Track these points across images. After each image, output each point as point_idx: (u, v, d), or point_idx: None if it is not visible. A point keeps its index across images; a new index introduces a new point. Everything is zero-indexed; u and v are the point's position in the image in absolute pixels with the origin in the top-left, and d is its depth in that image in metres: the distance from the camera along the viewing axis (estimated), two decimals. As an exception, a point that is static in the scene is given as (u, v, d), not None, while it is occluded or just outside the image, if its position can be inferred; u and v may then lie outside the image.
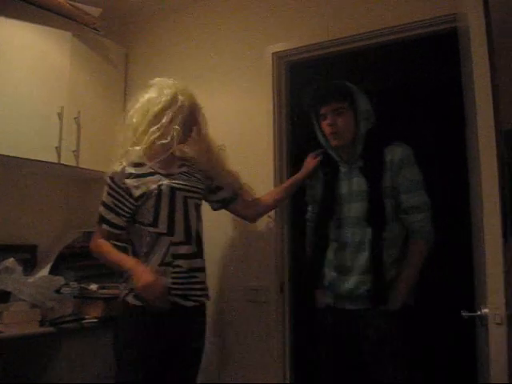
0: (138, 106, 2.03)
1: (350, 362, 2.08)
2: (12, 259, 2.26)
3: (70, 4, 2.60)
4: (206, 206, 2.21)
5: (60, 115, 2.53)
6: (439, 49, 2.67)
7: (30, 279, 2.27)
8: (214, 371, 2.48)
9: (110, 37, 2.92)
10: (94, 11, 2.71)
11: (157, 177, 2.00)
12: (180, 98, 2.00)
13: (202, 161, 2.14)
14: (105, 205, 2.01)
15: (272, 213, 2.43)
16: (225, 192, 2.20)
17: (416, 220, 2.03)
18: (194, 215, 2.05)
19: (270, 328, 2.43)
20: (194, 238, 2.03)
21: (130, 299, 1.94)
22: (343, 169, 2.18)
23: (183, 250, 1.98)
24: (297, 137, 2.67)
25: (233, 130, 2.63)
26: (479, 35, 1.47)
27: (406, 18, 2.26)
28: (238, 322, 2.52)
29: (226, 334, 2.54)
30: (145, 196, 1.96)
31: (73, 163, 2.60)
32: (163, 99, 1.98)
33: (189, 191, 2.04)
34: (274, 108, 2.55)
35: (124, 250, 2.04)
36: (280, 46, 2.58)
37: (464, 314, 1.50)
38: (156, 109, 1.97)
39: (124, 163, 1.99)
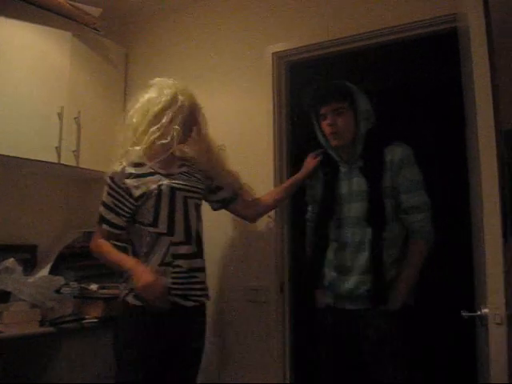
0: (137, 106, 2.03)
1: (349, 362, 2.08)
2: (12, 259, 2.26)
3: (70, 4, 2.60)
4: (206, 206, 2.21)
5: (60, 115, 2.53)
6: (439, 49, 2.67)
7: (30, 279, 2.27)
8: (213, 371, 2.48)
9: (110, 37, 2.92)
10: (94, 11, 2.71)
11: (157, 177, 2.00)
12: (180, 97, 2.00)
13: (202, 161, 2.14)
14: (105, 205, 2.01)
15: (272, 213, 2.43)
16: (225, 192, 2.21)
17: (416, 220, 2.03)
18: (194, 215, 2.05)
19: (269, 328, 2.43)
20: (194, 238, 2.03)
21: (130, 299, 1.94)
22: (343, 169, 2.18)
23: (183, 250, 1.98)
24: (297, 137, 2.66)
25: (233, 130, 2.62)
26: (479, 35, 1.47)
27: (406, 18, 2.26)
28: (238, 322, 2.52)
29: (226, 334, 2.54)
30: (145, 196, 1.96)
31: (73, 163, 2.60)
32: (163, 99, 1.98)
33: (189, 191, 2.04)
34: (273, 108, 2.55)
35: (124, 250, 2.04)
36: (280, 46, 2.58)
37: (464, 313, 1.50)
38: (156, 109, 1.97)
39: (124, 163, 1.99)
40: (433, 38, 2.36)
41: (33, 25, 2.48)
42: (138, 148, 1.97)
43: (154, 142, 1.97)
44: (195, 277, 2.01)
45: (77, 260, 2.58)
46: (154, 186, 1.96)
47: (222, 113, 2.64)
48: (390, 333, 1.97)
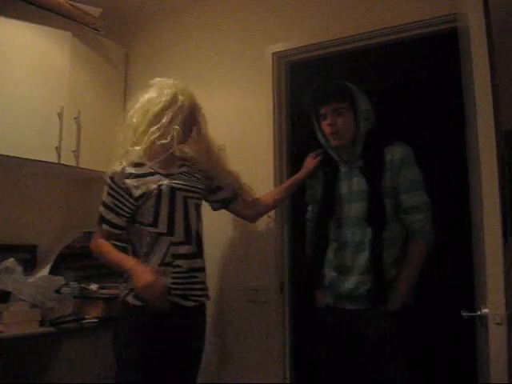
0: (137, 106, 2.03)
1: (349, 362, 2.08)
2: (12, 259, 2.26)
3: (70, 4, 2.60)
4: (206, 206, 2.21)
5: (60, 115, 2.53)
6: (439, 49, 2.67)
7: (30, 279, 2.27)
8: (214, 371, 2.48)
9: (110, 37, 2.92)
10: (94, 11, 2.71)
11: (157, 177, 1.99)
12: (180, 97, 2.00)
13: (202, 161, 2.14)
14: (105, 205, 2.01)
15: (272, 213, 2.43)
16: (225, 192, 2.20)
17: (416, 220, 2.03)
18: (194, 215, 2.05)
19: (269, 328, 2.43)
20: (194, 238, 2.02)
21: (130, 299, 1.94)
22: (343, 169, 2.17)
23: (183, 249, 1.98)
24: (297, 137, 2.66)
25: (233, 129, 2.62)
26: (479, 35, 1.47)
27: (406, 18, 2.26)
28: (238, 322, 2.52)
29: (226, 334, 2.54)
30: (145, 196, 1.96)
31: (73, 163, 2.60)
32: (163, 99, 1.98)
33: (189, 191, 2.04)
34: (273, 108, 2.55)
35: (124, 250, 2.04)
36: (280, 46, 2.58)
37: (464, 313, 1.50)
38: (156, 109, 1.97)
39: (124, 163, 1.99)
40: (432, 38, 2.36)
41: (33, 25, 2.48)
42: (138, 148, 1.97)
43: (154, 142, 1.97)
44: (195, 277, 2.01)
45: (77, 260, 2.58)
46: (154, 186, 1.96)
47: (222, 113, 2.64)
48: (390, 333, 1.97)
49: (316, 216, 2.25)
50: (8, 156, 2.37)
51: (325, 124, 2.15)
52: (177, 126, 1.97)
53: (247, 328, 2.49)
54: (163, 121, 1.96)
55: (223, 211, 2.26)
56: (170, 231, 1.97)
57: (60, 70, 2.60)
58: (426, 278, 2.07)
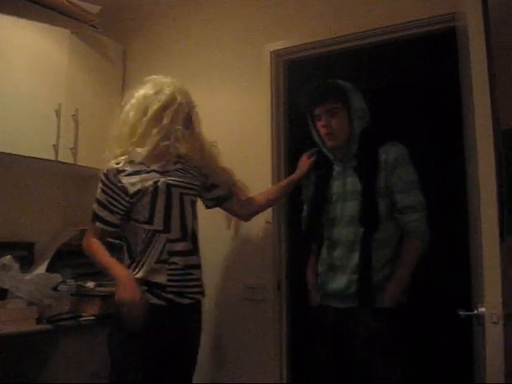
0: (133, 101, 2.00)
1: (343, 361, 2.08)
2: (9, 256, 2.26)
3: (68, 1, 2.59)
4: (202, 204, 2.21)
5: (58, 112, 2.53)
6: (434, 48, 2.67)
7: (27, 276, 2.27)
8: (210, 370, 2.48)
9: (108, 34, 2.92)
10: (93, 8, 2.71)
11: (152, 174, 1.97)
12: (178, 96, 1.99)
13: (196, 158, 2.12)
14: (99, 202, 1.98)
15: (270, 217, 2.44)
16: (220, 190, 2.19)
17: (411, 220, 2.03)
18: (190, 212, 2.04)
19: (266, 326, 2.43)
20: (190, 235, 2.01)
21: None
22: (337, 168, 2.17)
23: (179, 247, 1.97)
24: (295, 135, 2.66)
25: (231, 127, 2.62)
26: (478, 34, 1.47)
27: (406, 17, 2.26)
28: (234, 320, 2.52)
29: (222, 332, 2.54)
30: (140, 193, 1.94)
31: (70, 161, 2.60)
32: (163, 98, 1.97)
33: (185, 188, 2.03)
34: (272, 106, 2.55)
35: (120, 248, 2.03)
36: (278, 45, 2.58)
37: (461, 313, 1.50)
38: (155, 107, 1.95)
39: (120, 160, 1.97)
40: (428, 38, 2.36)
41: (31, 22, 2.48)
42: (140, 150, 1.95)
43: (158, 144, 1.96)
44: (191, 274, 1.99)
45: (74, 257, 2.57)
46: (150, 183, 1.94)
47: (220, 110, 2.64)
48: (381, 331, 1.96)
49: (307, 215, 2.26)
50: (5, 153, 2.36)
51: (319, 125, 2.14)
52: (179, 127, 1.97)
53: (244, 326, 2.49)
54: (164, 122, 1.95)
55: (220, 209, 2.26)
56: (167, 228, 1.95)
57: (58, 68, 2.60)
58: (423, 277, 2.07)
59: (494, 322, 1.33)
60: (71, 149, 2.58)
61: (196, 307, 2.06)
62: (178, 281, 1.95)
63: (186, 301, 1.97)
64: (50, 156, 2.51)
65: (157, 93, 1.99)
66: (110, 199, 1.96)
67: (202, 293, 2.07)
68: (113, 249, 2.04)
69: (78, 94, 2.67)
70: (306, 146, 2.33)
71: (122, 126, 2.01)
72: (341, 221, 2.10)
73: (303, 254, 2.33)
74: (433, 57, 2.95)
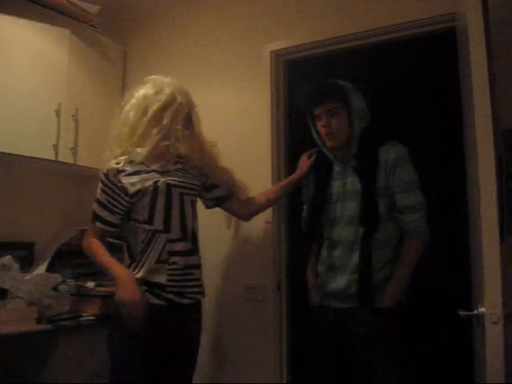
0: (133, 101, 2.00)
1: (343, 361, 2.08)
2: (9, 256, 2.26)
3: (68, 1, 2.60)
4: (200, 204, 2.20)
5: (58, 112, 2.53)
6: (435, 48, 2.67)
7: (27, 276, 2.27)
8: (210, 370, 2.48)
9: (108, 34, 2.92)
10: (93, 8, 2.71)
11: (152, 174, 1.97)
12: (178, 96, 1.99)
13: (196, 158, 2.12)
14: (98, 202, 1.98)
15: (270, 217, 2.44)
16: (220, 190, 2.19)
17: (411, 220, 2.03)
18: (190, 212, 2.04)
19: (267, 326, 2.43)
20: (190, 235, 2.01)
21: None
22: (337, 167, 2.17)
23: (179, 246, 1.97)
24: (295, 135, 2.66)
25: (231, 127, 2.62)
26: (478, 34, 1.47)
27: (406, 17, 2.26)
28: (234, 320, 2.52)
29: (222, 332, 2.54)
30: (140, 193, 1.94)
31: (70, 161, 2.60)
32: (163, 98, 1.97)
33: (185, 188, 2.03)
34: (272, 106, 2.55)
35: (120, 248, 2.03)
36: (278, 45, 2.58)
37: (461, 313, 1.50)
38: (155, 107, 1.95)
39: (120, 160, 1.97)
40: (428, 37, 2.36)
41: (31, 22, 2.48)
42: (140, 150, 1.96)
43: (158, 144, 1.96)
44: (191, 274, 1.99)
45: (74, 257, 2.57)
46: (150, 183, 1.94)
47: (221, 110, 2.64)
48: (381, 331, 1.97)
49: (307, 215, 2.26)
50: (5, 153, 2.36)
51: (319, 125, 2.14)
52: (179, 127, 1.97)
53: (244, 326, 2.49)
54: (164, 122, 1.95)
55: (220, 209, 2.26)
56: (167, 228, 1.95)
57: (58, 68, 2.60)
58: (423, 277, 2.07)
59: (494, 322, 1.34)
60: (71, 149, 2.58)
61: (196, 307, 2.06)
62: (178, 281, 1.95)
63: (186, 301, 1.97)
64: (50, 156, 2.51)
65: (157, 93, 1.99)
66: (110, 199, 1.96)
67: (202, 293, 2.07)
68: (113, 249, 2.04)
69: (77, 93, 2.67)
70: (306, 146, 2.32)
71: (122, 125, 2.01)
72: (341, 221, 2.10)
73: (303, 254, 2.34)
74: (433, 57, 2.95)
